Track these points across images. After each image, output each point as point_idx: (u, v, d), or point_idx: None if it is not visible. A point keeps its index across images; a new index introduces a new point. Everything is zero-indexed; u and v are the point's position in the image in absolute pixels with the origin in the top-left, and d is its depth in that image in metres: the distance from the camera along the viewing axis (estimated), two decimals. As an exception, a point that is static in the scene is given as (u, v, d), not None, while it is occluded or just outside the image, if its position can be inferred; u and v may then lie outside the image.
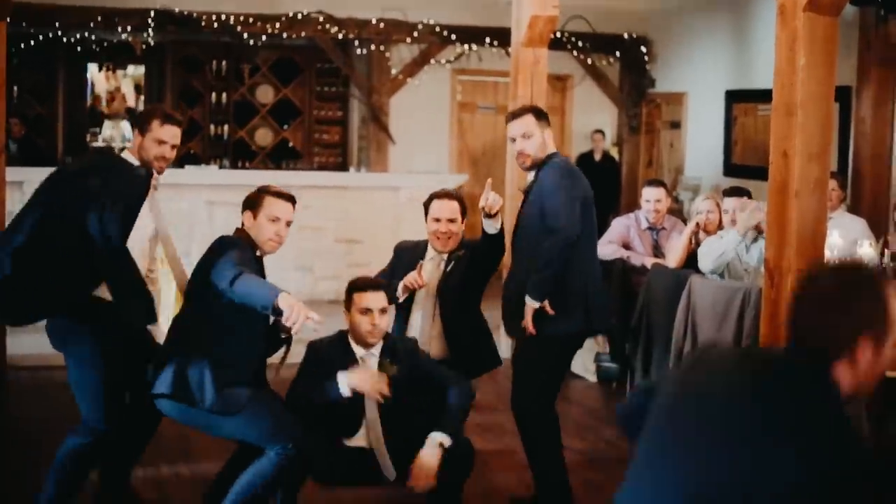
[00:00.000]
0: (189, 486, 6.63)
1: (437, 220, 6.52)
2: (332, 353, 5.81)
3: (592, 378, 9.63)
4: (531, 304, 6.06)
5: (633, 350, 8.68)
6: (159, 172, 5.92)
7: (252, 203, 5.72)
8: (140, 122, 5.96)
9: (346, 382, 5.54)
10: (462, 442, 5.81)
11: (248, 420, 5.39)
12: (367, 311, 5.78)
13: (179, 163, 14.52)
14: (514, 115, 6.31)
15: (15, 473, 6.77)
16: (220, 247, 5.56)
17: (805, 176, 6.39)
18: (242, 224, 5.72)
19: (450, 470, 5.73)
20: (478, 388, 7.59)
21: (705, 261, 8.02)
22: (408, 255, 6.66)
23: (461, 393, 5.90)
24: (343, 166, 16.34)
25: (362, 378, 5.58)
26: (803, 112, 6.30)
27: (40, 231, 5.52)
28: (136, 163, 5.84)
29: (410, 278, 6.41)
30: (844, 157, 12.34)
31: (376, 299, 5.82)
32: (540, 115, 6.30)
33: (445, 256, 6.54)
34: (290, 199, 5.78)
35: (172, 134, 5.88)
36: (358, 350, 5.85)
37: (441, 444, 5.65)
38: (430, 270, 6.53)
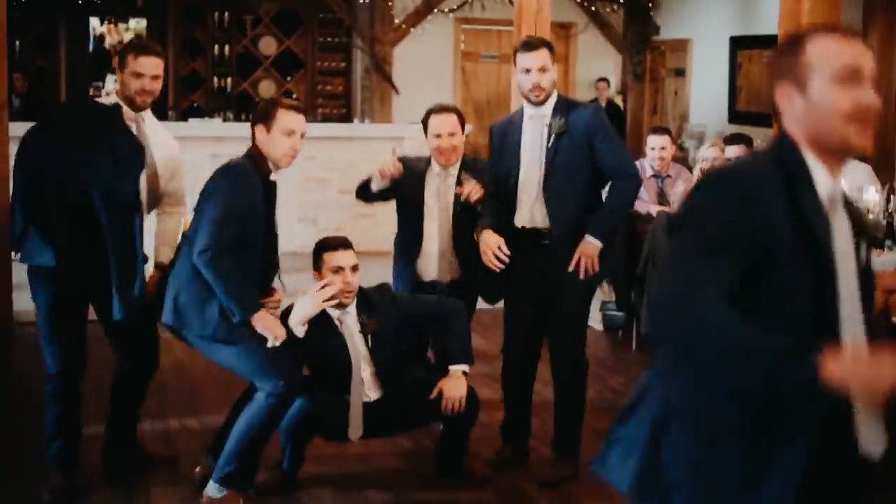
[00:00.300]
0: (197, 438, 6.62)
1: (438, 135, 6.33)
2: (308, 322, 5.64)
3: (598, 327, 9.61)
4: (597, 244, 5.94)
5: (639, 298, 8.67)
6: (143, 107, 5.76)
7: (265, 116, 5.55)
8: (118, 60, 5.82)
9: (297, 323, 5.54)
10: (467, 392, 5.84)
11: (245, 352, 5.39)
12: (339, 270, 5.69)
13: (183, 116, 14.51)
14: (531, 46, 6.08)
15: (21, 428, 6.79)
16: (219, 180, 5.49)
17: (811, 121, 6.36)
18: (254, 139, 5.61)
19: (455, 419, 5.78)
20: (483, 336, 7.60)
21: None
22: (409, 171, 6.51)
23: (458, 318, 5.96)
24: (347, 117, 16.31)
25: (303, 308, 5.57)
26: (808, 57, 6.27)
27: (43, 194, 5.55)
28: (114, 101, 5.72)
29: (385, 162, 6.28)
30: (851, 102, 12.28)
31: (347, 257, 5.73)
32: (553, 50, 6.17)
33: (453, 172, 6.40)
34: (303, 111, 5.73)
35: (150, 64, 5.70)
36: (333, 312, 5.76)
37: (463, 373, 5.83)
38: (436, 186, 6.39)
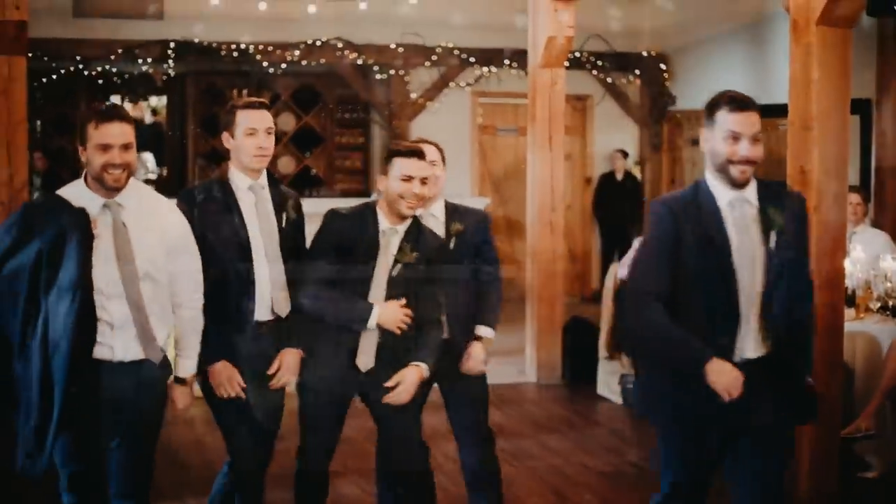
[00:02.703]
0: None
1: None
2: (354, 221, 5.37)
3: (617, 399, 9.58)
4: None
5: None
6: (116, 185, 4.84)
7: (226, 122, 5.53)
8: (79, 136, 4.90)
9: (375, 318, 5.24)
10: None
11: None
12: (408, 179, 5.30)
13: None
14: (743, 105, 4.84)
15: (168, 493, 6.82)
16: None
17: (823, 190, 6.38)
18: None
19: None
20: (502, 414, 7.55)
21: None
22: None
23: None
24: (366, 192, 16.31)
25: (389, 316, 5.25)
26: (819, 126, 6.30)
27: None
28: (77, 189, 4.89)
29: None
30: (867, 170, 12.26)
31: (420, 168, 5.35)
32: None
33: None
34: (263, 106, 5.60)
35: (117, 132, 4.82)
36: (383, 223, 5.37)
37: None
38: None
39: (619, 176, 16.11)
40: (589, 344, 10.31)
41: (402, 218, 5.37)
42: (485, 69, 15.68)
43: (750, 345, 4.68)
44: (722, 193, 4.71)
